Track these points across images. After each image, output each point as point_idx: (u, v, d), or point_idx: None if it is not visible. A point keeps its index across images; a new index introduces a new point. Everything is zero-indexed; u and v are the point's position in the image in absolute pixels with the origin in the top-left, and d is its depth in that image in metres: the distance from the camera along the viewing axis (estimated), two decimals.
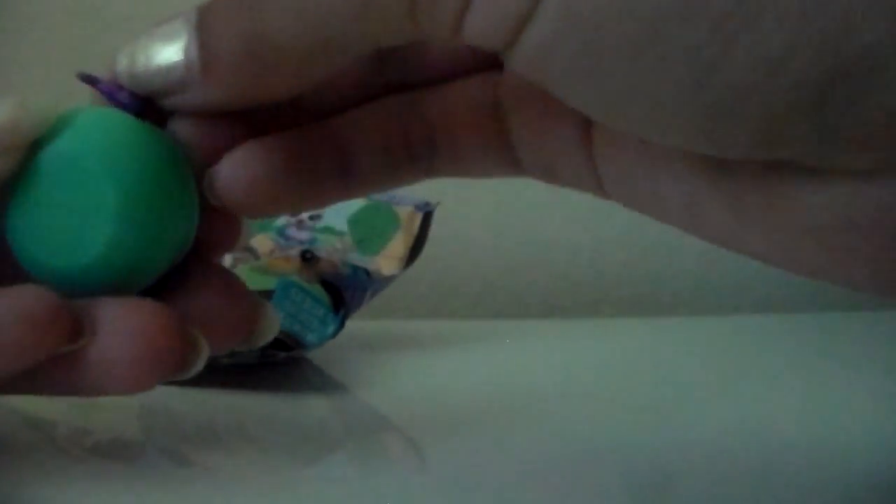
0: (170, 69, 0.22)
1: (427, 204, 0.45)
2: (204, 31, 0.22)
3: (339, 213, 0.44)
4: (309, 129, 0.25)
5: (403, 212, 0.44)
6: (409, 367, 0.41)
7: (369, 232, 0.43)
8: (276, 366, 0.39)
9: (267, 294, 0.37)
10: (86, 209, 0.22)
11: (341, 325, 0.38)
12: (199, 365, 0.23)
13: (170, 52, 0.22)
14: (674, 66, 0.18)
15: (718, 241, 0.23)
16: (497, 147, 0.25)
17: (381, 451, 0.31)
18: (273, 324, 0.25)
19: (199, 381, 0.37)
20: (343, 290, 0.39)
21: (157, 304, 0.22)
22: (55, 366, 0.22)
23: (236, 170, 0.23)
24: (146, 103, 0.23)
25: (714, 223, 0.22)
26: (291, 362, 0.39)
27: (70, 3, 0.61)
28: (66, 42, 0.60)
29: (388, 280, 0.43)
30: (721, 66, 0.18)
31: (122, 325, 0.22)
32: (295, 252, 0.40)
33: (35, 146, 0.22)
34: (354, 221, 0.44)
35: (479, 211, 0.63)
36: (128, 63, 0.23)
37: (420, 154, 0.25)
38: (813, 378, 0.40)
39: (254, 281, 0.38)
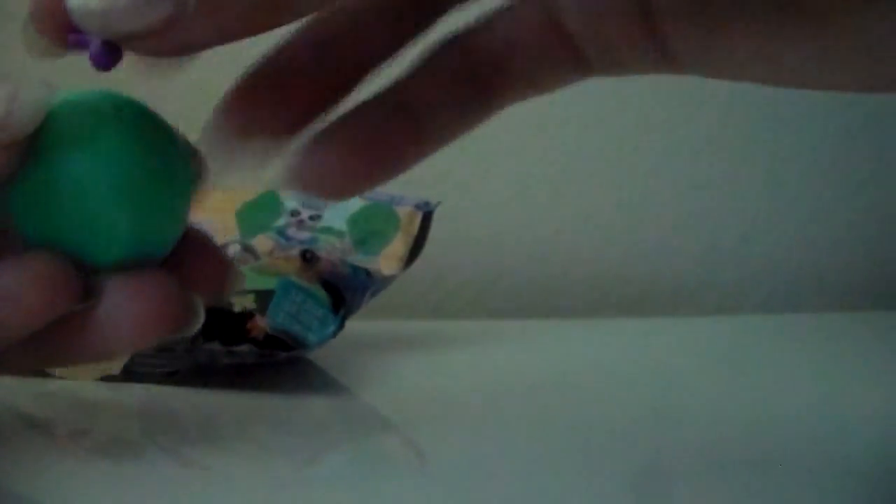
0: (149, 6, 0.19)
1: (427, 204, 0.45)
2: None
3: (339, 213, 0.44)
4: (371, 101, 0.24)
5: (403, 212, 0.44)
6: (409, 367, 0.41)
7: (369, 232, 0.43)
8: (276, 366, 0.39)
9: (267, 294, 0.37)
10: (97, 227, 0.22)
11: (341, 325, 0.38)
12: (196, 326, 0.24)
13: None
14: None
15: (798, 84, 0.23)
16: (566, 57, 0.25)
17: (381, 451, 0.31)
18: (238, 281, 0.25)
19: (199, 381, 0.37)
20: (343, 290, 0.39)
21: (158, 271, 0.23)
22: (63, 328, 0.22)
23: (321, 159, 0.23)
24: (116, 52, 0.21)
25: (794, 68, 0.23)
26: (291, 362, 0.39)
27: None
28: None
29: (388, 280, 0.42)
30: None
31: (126, 289, 0.22)
32: (295, 252, 0.40)
33: (35, 140, 0.22)
34: (354, 221, 0.44)
35: (480, 211, 0.63)
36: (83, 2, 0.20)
37: (487, 87, 0.25)
38: (813, 378, 0.40)
39: (254, 281, 0.38)
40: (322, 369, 0.40)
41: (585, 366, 0.43)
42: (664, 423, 0.33)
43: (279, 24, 0.21)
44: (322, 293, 0.38)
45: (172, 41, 0.20)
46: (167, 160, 0.23)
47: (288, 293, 0.37)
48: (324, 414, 0.35)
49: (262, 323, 0.37)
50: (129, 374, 0.37)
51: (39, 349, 0.23)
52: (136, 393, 0.36)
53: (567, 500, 0.25)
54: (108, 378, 0.37)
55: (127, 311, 0.22)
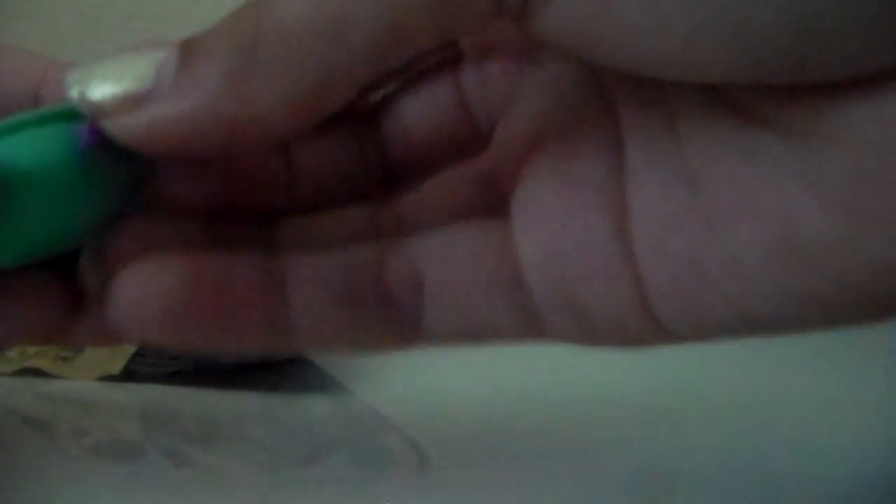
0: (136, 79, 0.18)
1: None
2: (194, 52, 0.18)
3: None
4: (242, 257, 0.20)
5: None
6: (409, 367, 0.41)
7: None
8: (276, 366, 0.39)
9: None
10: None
11: None
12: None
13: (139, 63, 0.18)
14: None
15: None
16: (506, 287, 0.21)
17: (381, 451, 0.31)
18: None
19: (199, 381, 0.37)
20: None
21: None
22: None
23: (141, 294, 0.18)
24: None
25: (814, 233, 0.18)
26: (291, 362, 0.39)
27: (70, 2, 0.61)
28: (66, 42, 0.60)
29: None
30: None
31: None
32: None
33: None
34: None
35: None
36: (82, 78, 0.18)
37: (404, 308, 0.21)
38: (814, 378, 0.40)
39: None
40: (322, 369, 0.40)
41: (585, 365, 0.43)
42: (665, 423, 0.33)
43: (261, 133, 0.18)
44: None
45: (146, 117, 0.18)
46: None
47: None
48: (324, 414, 0.35)
49: None
50: (129, 374, 0.37)
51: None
52: (136, 393, 0.36)
53: (567, 499, 0.25)
54: (107, 378, 0.37)
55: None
